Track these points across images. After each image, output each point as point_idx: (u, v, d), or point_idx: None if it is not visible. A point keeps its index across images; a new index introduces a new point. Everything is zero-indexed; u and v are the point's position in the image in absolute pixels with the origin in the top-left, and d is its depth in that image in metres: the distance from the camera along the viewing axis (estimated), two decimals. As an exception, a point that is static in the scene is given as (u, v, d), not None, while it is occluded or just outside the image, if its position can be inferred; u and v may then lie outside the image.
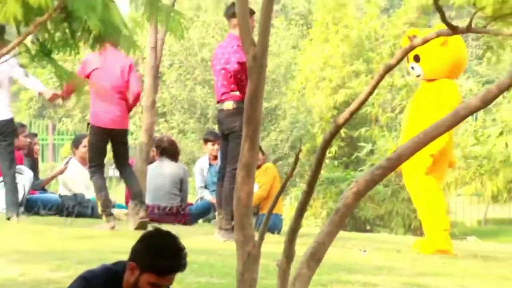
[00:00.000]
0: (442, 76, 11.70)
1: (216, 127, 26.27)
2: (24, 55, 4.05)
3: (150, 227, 5.96)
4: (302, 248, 5.92)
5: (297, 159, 5.94)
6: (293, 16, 38.58)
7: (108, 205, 11.39)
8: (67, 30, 3.88)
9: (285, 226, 12.59)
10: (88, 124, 11.63)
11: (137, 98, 11.68)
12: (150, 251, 4.85)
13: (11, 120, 11.94)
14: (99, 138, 11.44)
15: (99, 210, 11.38)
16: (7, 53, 3.75)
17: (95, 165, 11.48)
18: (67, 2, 3.60)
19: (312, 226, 19.52)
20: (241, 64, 10.59)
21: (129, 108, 11.64)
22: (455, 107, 11.25)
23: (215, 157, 13.80)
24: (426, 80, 11.86)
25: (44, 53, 3.93)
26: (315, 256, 5.94)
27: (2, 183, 12.72)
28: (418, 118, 11.50)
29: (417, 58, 11.83)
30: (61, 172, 14.95)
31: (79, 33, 3.87)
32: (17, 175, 12.87)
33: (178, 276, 5.00)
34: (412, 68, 11.94)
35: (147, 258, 4.82)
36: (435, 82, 11.72)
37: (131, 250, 4.89)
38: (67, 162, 14.93)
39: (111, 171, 31.72)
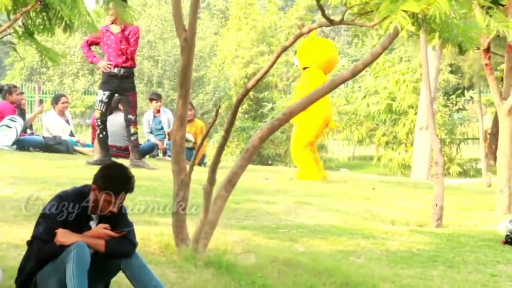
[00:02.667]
0: (313, 66, 11.66)
1: (158, 90, 26.26)
2: (14, 35, 3.97)
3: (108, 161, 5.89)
4: (221, 176, 5.93)
5: (217, 113, 5.92)
6: (215, 11, 38.42)
7: None
8: (45, 18, 3.82)
9: (209, 162, 12.57)
10: None
11: None
12: (106, 177, 4.81)
13: None
14: None
15: None
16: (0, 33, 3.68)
17: None
18: (45, -3, 3.53)
19: (229, 161, 19.46)
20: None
21: None
22: (316, 87, 11.58)
23: (158, 111, 13.69)
24: (302, 68, 11.96)
25: (29, 34, 3.87)
26: (231, 182, 5.95)
27: (3, 126, 12.47)
28: (298, 91, 11.71)
29: (295, 53, 12.01)
30: (39, 112, 14.78)
31: (54, 20, 3.80)
32: (11, 122, 12.62)
33: (130, 195, 4.96)
34: (295, 60, 12.06)
35: (104, 182, 4.78)
36: (306, 70, 11.76)
37: (94, 176, 4.85)
38: (41, 106, 15.04)
39: (82, 120, 31.30)
